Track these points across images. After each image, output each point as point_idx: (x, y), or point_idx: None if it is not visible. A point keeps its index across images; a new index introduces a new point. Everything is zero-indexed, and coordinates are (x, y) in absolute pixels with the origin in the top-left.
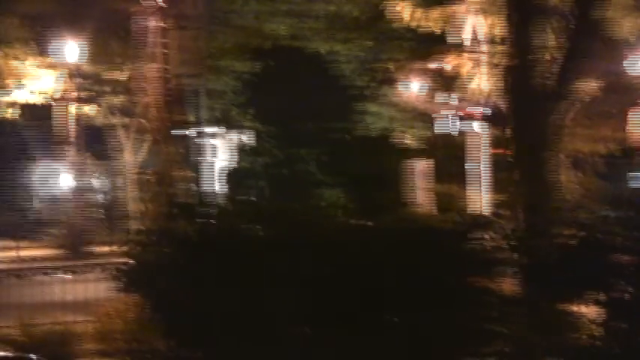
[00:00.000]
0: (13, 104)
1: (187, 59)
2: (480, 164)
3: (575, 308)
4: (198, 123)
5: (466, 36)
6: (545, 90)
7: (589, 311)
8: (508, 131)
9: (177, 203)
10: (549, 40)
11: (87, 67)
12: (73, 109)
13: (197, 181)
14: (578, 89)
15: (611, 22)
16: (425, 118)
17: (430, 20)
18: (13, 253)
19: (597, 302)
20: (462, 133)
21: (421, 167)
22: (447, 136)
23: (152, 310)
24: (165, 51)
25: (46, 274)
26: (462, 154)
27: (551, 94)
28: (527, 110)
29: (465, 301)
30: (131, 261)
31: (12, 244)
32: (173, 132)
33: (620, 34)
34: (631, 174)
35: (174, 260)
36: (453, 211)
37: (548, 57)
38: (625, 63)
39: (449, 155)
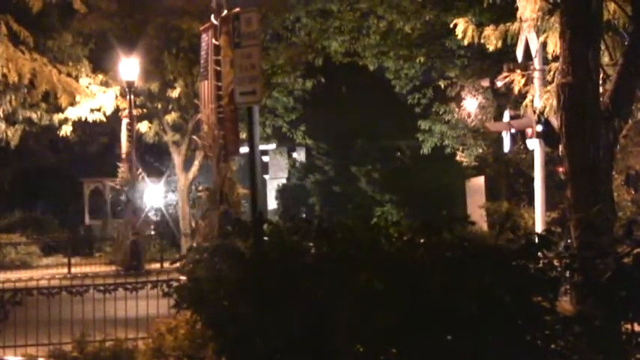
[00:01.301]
0: (66, 121)
1: (244, 76)
2: (533, 182)
3: (631, 328)
4: (251, 140)
5: (519, 53)
6: (598, 108)
7: None
8: (561, 149)
9: (230, 219)
10: (603, 57)
11: (140, 85)
12: (126, 126)
13: (250, 197)
14: (631, 107)
15: None
16: (478, 135)
17: (483, 37)
18: (65, 270)
19: None
20: (515, 151)
21: (475, 184)
22: (500, 154)
23: (204, 326)
24: (219, 68)
25: (98, 290)
26: (516, 171)
27: (605, 112)
28: (580, 128)
29: (526, 321)
30: (184, 277)
31: (64, 260)
32: (225, 149)
33: None
34: None
35: (228, 277)
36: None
37: (602, 74)
38: None
39: (502, 173)
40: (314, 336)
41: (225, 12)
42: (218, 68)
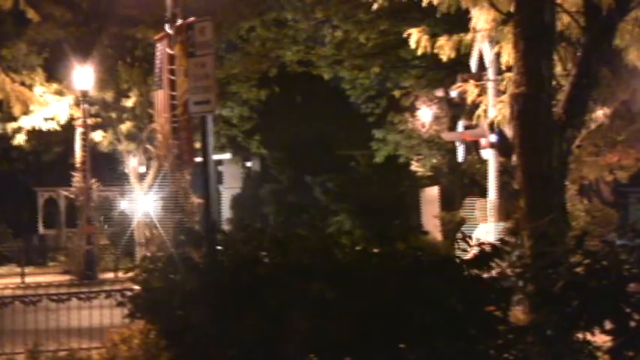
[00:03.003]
0: (19, 130)
1: (198, 86)
2: (487, 191)
3: (583, 337)
4: (205, 149)
5: (473, 63)
6: (551, 118)
7: (597, 340)
8: (514, 159)
9: (184, 229)
10: (556, 68)
11: (95, 94)
12: (80, 135)
13: (204, 207)
14: (584, 117)
15: (618, 51)
16: (432, 145)
17: (437, 47)
18: (18, 279)
19: (605, 330)
20: (469, 161)
21: (430, 194)
22: (455, 164)
23: (158, 336)
24: (173, 77)
25: (52, 300)
26: (470, 181)
27: (558, 122)
28: (534, 138)
29: (479, 331)
30: (138, 287)
31: (17, 269)
32: (180, 159)
33: (627, 62)
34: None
35: (181, 286)
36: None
37: (555, 85)
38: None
39: (457, 183)
40: (268, 345)
41: (180, 21)
42: (173, 78)
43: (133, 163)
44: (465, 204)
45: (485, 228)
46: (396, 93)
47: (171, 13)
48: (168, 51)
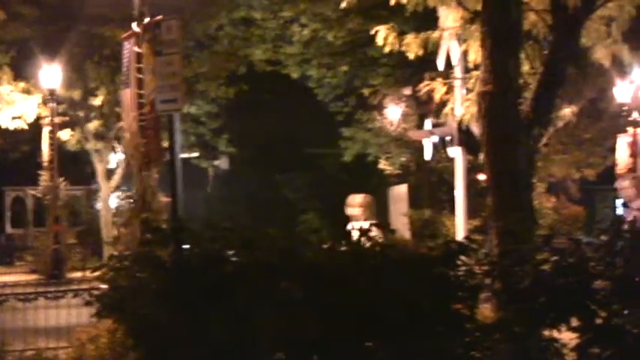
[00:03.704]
0: None
1: (165, 84)
2: (455, 189)
3: (550, 334)
4: (172, 148)
5: (441, 61)
6: (518, 116)
7: (564, 337)
8: (482, 157)
9: (151, 228)
10: (524, 66)
11: (62, 92)
12: (48, 133)
13: (172, 206)
14: (551, 115)
15: (585, 49)
16: (400, 143)
17: (405, 45)
18: None
19: (571, 328)
20: (437, 159)
21: (398, 192)
22: (423, 162)
23: (125, 335)
24: (141, 76)
25: (18, 299)
26: (439, 179)
27: (525, 120)
28: (501, 136)
29: (446, 328)
30: (104, 286)
31: None
32: (147, 157)
33: (593, 60)
34: (606, 199)
35: (148, 285)
36: (428, 236)
37: (522, 83)
38: (598, 89)
39: (425, 181)
40: (236, 344)
41: (148, 20)
42: (140, 76)
43: (100, 162)
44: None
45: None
46: (365, 91)
47: (139, 12)
48: (136, 49)
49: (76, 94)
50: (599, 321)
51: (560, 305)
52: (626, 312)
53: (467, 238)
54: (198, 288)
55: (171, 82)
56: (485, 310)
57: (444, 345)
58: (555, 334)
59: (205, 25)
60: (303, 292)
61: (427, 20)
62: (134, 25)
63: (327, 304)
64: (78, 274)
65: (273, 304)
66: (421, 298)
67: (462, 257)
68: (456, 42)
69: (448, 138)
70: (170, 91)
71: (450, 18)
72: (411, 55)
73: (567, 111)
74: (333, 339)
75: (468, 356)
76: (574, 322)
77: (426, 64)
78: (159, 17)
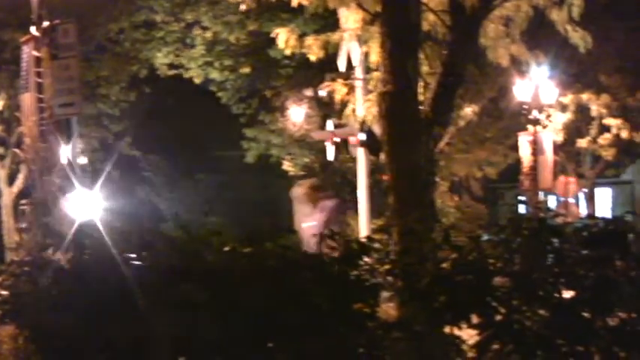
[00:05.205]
0: None
1: (62, 88)
2: (358, 190)
3: (451, 331)
4: (75, 152)
5: (342, 63)
6: (418, 115)
7: (465, 334)
8: (383, 157)
9: (51, 233)
10: (423, 66)
11: None
12: None
13: (74, 210)
14: (452, 114)
15: (484, 49)
16: (303, 144)
17: (305, 47)
18: None
19: (472, 325)
20: (341, 160)
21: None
22: (327, 163)
23: (27, 341)
24: (40, 80)
25: None
26: (342, 180)
27: (425, 120)
28: (402, 135)
29: (347, 328)
30: (5, 292)
31: None
32: (49, 162)
33: (493, 60)
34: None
35: (47, 291)
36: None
37: (422, 83)
38: (498, 88)
39: (329, 181)
40: (136, 349)
41: (47, 23)
42: (39, 80)
43: (2, 168)
44: None
45: None
46: (267, 93)
47: (37, 15)
48: (35, 53)
49: None
50: (499, 317)
51: (460, 302)
52: (524, 308)
53: (368, 237)
54: (97, 293)
55: (68, 86)
56: (390, 309)
57: (346, 344)
58: (456, 331)
59: (106, 29)
60: (204, 295)
61: (328, 22)
62: (33, 29)
63: (228, 307)
64: None
65: (173, 308)
66: (320, 299)
67: (364, 257)
68: (357, 43)
69: (351, 139)
70: (67, 95)
71: (350, 19)
72: (313, 57)
73: (468, 110)
74: (234, 342)
75: (369, 355)
76: (475, 319)
77: (327, 65)
78: (56, 21)
